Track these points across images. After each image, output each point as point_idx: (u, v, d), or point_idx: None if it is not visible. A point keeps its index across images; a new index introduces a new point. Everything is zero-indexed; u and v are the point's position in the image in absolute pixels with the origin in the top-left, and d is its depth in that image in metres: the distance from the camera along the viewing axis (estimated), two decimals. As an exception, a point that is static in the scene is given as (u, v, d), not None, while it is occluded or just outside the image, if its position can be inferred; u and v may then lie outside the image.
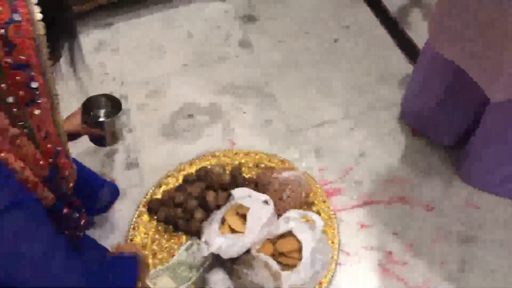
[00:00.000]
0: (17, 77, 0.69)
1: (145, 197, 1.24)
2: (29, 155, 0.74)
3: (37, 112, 0.74)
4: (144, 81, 1.53)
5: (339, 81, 1.50)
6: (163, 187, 1.26)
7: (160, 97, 1.49)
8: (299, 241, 1.08)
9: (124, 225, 1.20)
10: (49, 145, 0.78)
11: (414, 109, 1.31)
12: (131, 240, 1.17)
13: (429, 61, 1.17)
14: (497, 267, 1.09)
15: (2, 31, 0.64)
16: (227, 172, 1.25)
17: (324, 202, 1.20)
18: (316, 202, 1.20)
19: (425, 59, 1.19)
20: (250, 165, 1.29)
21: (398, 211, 1.19)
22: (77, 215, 0.87)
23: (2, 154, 0.68)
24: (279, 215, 1.14)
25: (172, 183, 1.27)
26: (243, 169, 1.28)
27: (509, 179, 1.17)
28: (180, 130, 1.41)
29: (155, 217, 1.20)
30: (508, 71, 0.95)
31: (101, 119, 1.09)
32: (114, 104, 1.11)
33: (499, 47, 0.95)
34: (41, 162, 0.76)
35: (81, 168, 1.05)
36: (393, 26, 1.62)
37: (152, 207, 1.21)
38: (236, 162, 1.29)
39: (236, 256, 1.07)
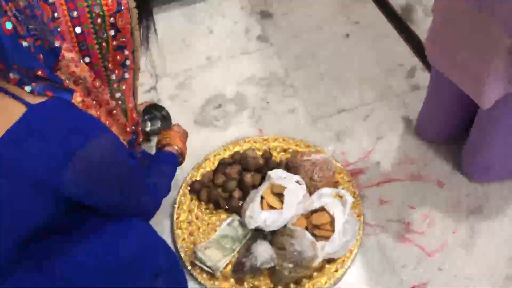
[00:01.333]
0: (117, 57, 0.82)
1: (185, 179, 1.36)
2: (120, 123, 0.87)
3: (124, 87, 0.87)
4: (173, 74, 1.64)
5: (352, 73, 1.64)
6: (201, 170, 1.38)
7: (189, 88, 1.61)
8: (331, 215, 1.23)
9: (168, 204, 1.31)
10: (134, 115, 0.91)
11: (428, 124, 1.41)
12: (177, 217, 1.29)
13: (434, 74, 1.30)
14: (503, 234, 1.26)
15: (112, 19, 0.77)
16: (260, 155, 1.38)
17: (349, 181, 1.35)
18: (341, 181, 1.35)
19: (432, 73, 1.32)
20: (279, 149, 1.43)
21: (413, 187, 1.35)
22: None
23: (107, 122, 0.81)
24: (310, 194, 1.28)
25: (209, 166, 1.39)
26: (273, 153, 1.41)
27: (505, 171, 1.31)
28: (211, 119, 1.53)
29: (197, 197, 1.33)
30: (491, 80, 1.05)
31: (148, 129, 1.28)
32: (164, 117, 1.30)
33: (481, 58, 1.04)
34: (127, 129, 0.90)
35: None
36: (398, 22, 1.76)
37: (194, 188, 1.33)
38: (267, 147, 1.43)
39: (276, 229, 1.21)
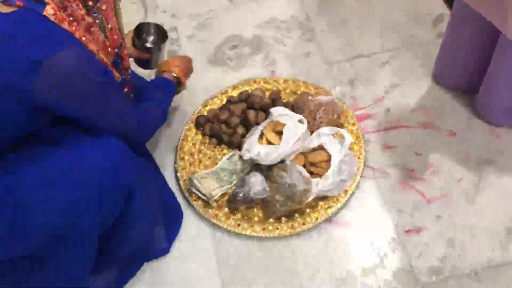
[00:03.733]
0: None
1: (193, 114, 1.39)
2: (100, 41, 0.90)
3: (104, 7, 0.89)
4: (193, 15, 1.66)
5: (376, 20, 1.57)
6: (209, 107, 1.41)
7: (208, 29, 1.62)
8: (328, 154, 1.21)
9: (175, 136, 1.36)
10: (115, 36, 0.94)
11: (446, 68, 1.34)
12: (180, 148, 1.33)
13: (456, 11, 1.23)
14: (510, 189, 1.19)
15: None
16: (268, 96, 1.38)
17: (354, 124, 1.32)
18: (346, 124, 1.32)
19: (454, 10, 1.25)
20: (288, 91, 1.42)
21: (423, 135, 1.30)
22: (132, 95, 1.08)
23: (83, 38, 0.84)
24: (312, 133, 1.27)
25: (217, 103, 1.41)
26: (282, 94, 1.40)
27: None
28: (225, 59, 1.54)
29: (202, 131, 1.36)
30: None
31: (149, 45, 1.25)
32: (161, 33, 1.27)
33: None
34: (109, 50, 0.93)
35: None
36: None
37: (200, 122, 1.36)
38: (275, 88, 1.42)
39: (271, 163, 1.22)
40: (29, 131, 0.86)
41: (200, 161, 1.32)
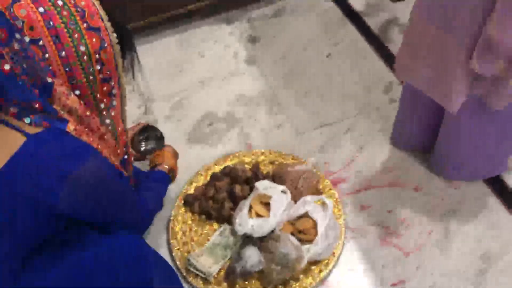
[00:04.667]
0: (104, 88, 0.93)
1: (180, 193, 1.47)
2: (111, 146, 0.98)
3: (113, 113, 0.98)
4: (167, 96, 1.77)
5: (334, 90, 1.76)
6: (194, 184, 1.49)
7: (183, 109, 1.73)
8: (314, 220, 1.33)
9: (164, 216, 1.42)
10: (124, 137, 1.02)
11: (403, 134, 1.52)
12: (172, 228, 1.39)
13: (405, 86, 1.41)
14: (475, 234, 1.35)
15: (97, 55, 0.88)
16: (248, 169, 1.49)
17: (331, 189, 1.45)
18: (324, 190, 1.45)
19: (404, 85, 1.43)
20: (266, 162, 1.53)
21: (392, 193, 1.45)
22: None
23: (98, 146, 0.92)
24: (295, 201, 1.38)
25: (202, 180, 1.50)
26: (261, 166, 1.52)
27: (472, 167, 1.42)
28: (203, 137, 1.64)
29: (191, 209, 1.43)
30: (455, 86, 1.16)
31: (147, 149, 1.40)
32: (159, 138, 1.41)
33: (445, 69, 1.16)
34: (118, 151, 1.00)
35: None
36: (375, 41, 1.89)
37: (188, 201, 1.44)
38: (255, 161, 1.53)
39: (264, 235, 1.31)
40: (45, 237, 0.90)
41: (192, 239, 1.38)
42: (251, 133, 1.64)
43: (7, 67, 0.79)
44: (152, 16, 1.91)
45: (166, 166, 1.33)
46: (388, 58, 1.81)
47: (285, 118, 1.68)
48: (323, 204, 1.35)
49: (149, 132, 1.44)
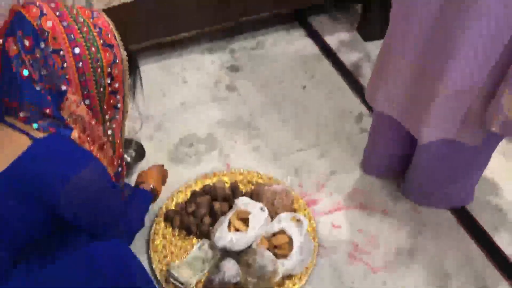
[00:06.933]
0: (111, 100, 1.00)
1: (160, 208, 1.52)
2: (108, 157, 1.04)
3: (114, 125, 1.05)
4: (150, 117, 1.84)
5: (309, 119, 1.87)
6: (175, 200, 1.55)
7: (165, 130, 1.80)
8: (289, 236, 1.40)
9: (144, 231, 1.46)
10: (120, 150, 1.08)
11: (372, 161, 1.63)
12: (153, 241, 1.43)
13: (376, 117, 1.52)
14: (437, 253, 1.46)
15: (109, 69, 0.96)
16: (227, 187, 1.56)
17: (305, 209, 1.54)
18: (298, 209, 1.53)
19: (374, 115, 1.54)
20: (245, 182, 1.61)
21: (362, 214, 1.55)
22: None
23: (98, 155, 0.98)
24: (271, 218, 1.46)
25: (182, 197, 1.56)
26: (239, 185, 1.59)
27: (442, 196, 1.53)
28: (184, 157, 1.71)
29: (171, 224, 1.48)
30: (427, 119, 1.26)
31: (129, 160, 1.48)
32: (139, 150, 1.47)
33: (420, 100, 1.24)
34: (114, 163, 1.07)
35: None
36: (349, 76, 2.04)
37: (168, 216, 1.49)
38: (233, 180, 1.61)
39: (241, 248, 1.37)
40: (38, 238, 0.94)
41: (172, 253, 1.42)
42: (230, 154, 1.73)
43: (25, 72, 0.86)
44: (135, 43, 2.00)
45: (151, 186, 1.38)
46: (360, 91, 1.95)
47: (263, 142, 1.78)
48: (298, 221, 1.43)
49: (132, 145, 1.49)
